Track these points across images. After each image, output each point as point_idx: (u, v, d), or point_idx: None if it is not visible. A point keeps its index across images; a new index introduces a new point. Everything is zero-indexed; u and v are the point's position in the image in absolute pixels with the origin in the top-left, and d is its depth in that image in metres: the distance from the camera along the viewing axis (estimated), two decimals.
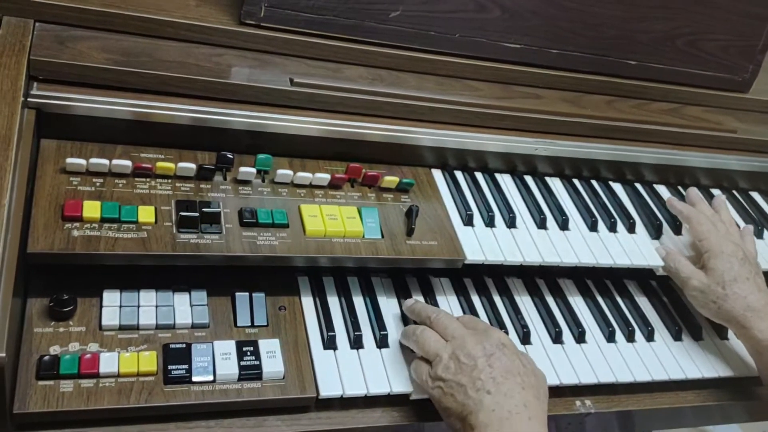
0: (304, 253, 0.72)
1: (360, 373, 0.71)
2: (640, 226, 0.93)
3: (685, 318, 0.91)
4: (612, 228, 0.91)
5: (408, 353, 0.74)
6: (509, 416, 0.63)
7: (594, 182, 0.98)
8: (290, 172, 0.77)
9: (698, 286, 0.84)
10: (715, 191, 1.06)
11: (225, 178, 0.76)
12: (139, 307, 0.68)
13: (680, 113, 1.03)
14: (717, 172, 1.05)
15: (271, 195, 0.77)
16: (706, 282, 0.84)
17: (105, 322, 0.65)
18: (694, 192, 0.96)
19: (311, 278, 0.79)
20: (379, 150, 0.84)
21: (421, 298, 0.81)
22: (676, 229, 0.95)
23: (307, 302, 0.76)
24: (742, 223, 1.00)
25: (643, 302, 0.92)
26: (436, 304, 0.81)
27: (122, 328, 0.66)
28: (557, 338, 0.82)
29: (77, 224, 0.65)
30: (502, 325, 0.81)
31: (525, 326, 0.82)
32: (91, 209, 0.66)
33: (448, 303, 0.83)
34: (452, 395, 0.66)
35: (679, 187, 1.04)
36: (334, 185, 0.80)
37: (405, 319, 0.79)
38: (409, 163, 0.87)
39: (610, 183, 0.99)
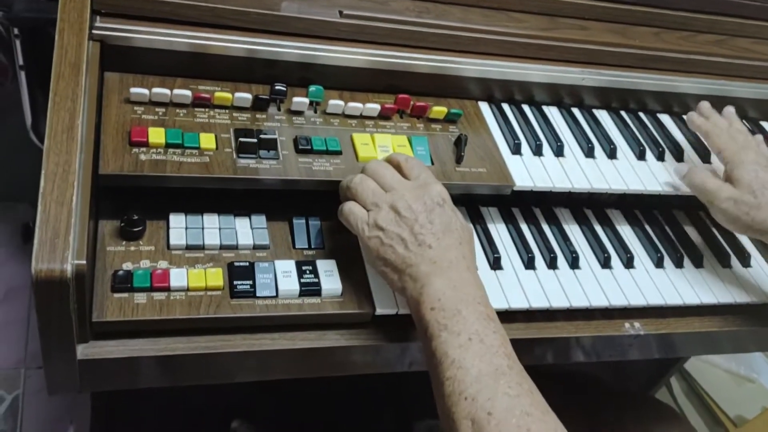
0: None
1: None
2: (688, 155, 0.93)
3: (733, 245, 0.92)
4: (660, 157, 0.91)
5: None
6: (450, 265, 0.64)
7: (641, 114, 0.98)
8: (341, 102, 0.79)
9: (731, 196, 0.80)
10: (765, 124, 1.06)
11: (279, 109, 0.78)
12: (203, 229, 0.71)
13: (728, 45, 1.02)
14: (765, 104, 1.04)
15: (323, 125, 0.79)
16: (737, 192, 0.80)
17: (173, 242, 0.69)
18: (705, 105, 0.93)
19: None
20: (426, 82, 0.85)
21: (470, 226, 0.83)
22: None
23: None
24: None
25: (691, 231, 0.93)
26: (486, 231, 0.83)
27: (189, 247, 0.69)
28: (606, 263, 0.83)
29: (144, 149, 0.68)
30: (550, 250, 0.82)
31: (574, 252, 0.83)
32: (156, 135, 0.69)
33: (497, 230, 0.84)
34: (392, 247, 0.65)
35: None
36: (383, 116, 0.82)
37: None
38: (456, 96, 0.88)
39: (658, 115, 0.99)
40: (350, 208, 0.69)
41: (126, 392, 1.15)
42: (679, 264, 0.87)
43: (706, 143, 0.91)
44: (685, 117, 0.94)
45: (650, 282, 0.83)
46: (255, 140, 0.72)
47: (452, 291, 0.62)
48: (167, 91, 0.73)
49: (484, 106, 0.89)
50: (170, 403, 1.24)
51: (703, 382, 1.77)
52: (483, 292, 0.65)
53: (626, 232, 0.89)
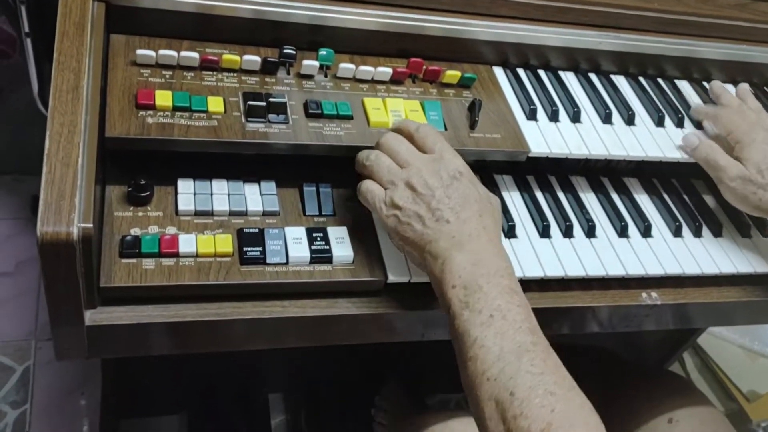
0: (369, 143, 0.73)
1: None
2: (707, 122, 0.90)
3: (753, 216, 0.89)
4: (679, 123, 0.89)
5: None
6: (469, 239, 0.63)
7: (660, 80, 0.95)
8: (352, 66, 0.77)
9: (739, 174, 0.78)
10: None
11: (288, 73, 0.76)
12: (212, 195, 0.69)
13: (750, 8, 0.99)
14: None
15: (333, 89, 0.77)
16: (746, 172, 0.79)
17: (181, 207, 0.67)
18: (717, 84, 0.93)
19: None
20: (439, 45, 0.83)
21: (494, 195, 0.81)
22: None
23: None
24: None
25: (710, 200, 0.91)
26: (500, 199, 0.81)
27: (197, 213, 0.68)
28: (623, 232, 0.82)
29: (151, 112, 0.67)
30: (566, 219, 0.80)
31: (590, 220, 0.81)
32: (163, 98, 0.67)
33: (512, 198, 0.82)
34: (410, 224, 0.64)
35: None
36: (395, 80, 0.80)
37: None
38: (470, 61, 0.86)
39: (677, 81, 0.96)
40: (367, 186, 0.68)
41: (137, 364, 1.15)
42: (697, 233, 0.85)
43: (715, 128, 0.87)
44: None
45: (668, 251, 0.81)
46: (264, 104, 0.70)
47: (473, 266, 0.61)
48: (174, 54, 0.71)
49: (498, 71, 0.87)
50: (181, 375, 1.24)
51: (716, 357, 1.75)
52: (506, 264, 0.63)
53: (644, 200, 0.87)
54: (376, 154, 0.69)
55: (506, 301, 0.59)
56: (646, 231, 0.83)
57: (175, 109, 0.67)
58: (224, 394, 1.30)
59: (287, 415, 1.37)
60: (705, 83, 0.97)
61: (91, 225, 0.55)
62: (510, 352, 0.56)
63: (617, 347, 1.35)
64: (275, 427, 1.35)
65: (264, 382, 1.36)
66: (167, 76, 0.71)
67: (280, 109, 0.71)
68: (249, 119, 0.69)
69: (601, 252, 0.79)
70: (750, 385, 1.70)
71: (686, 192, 0.90)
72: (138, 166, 0.69)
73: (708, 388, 1.74)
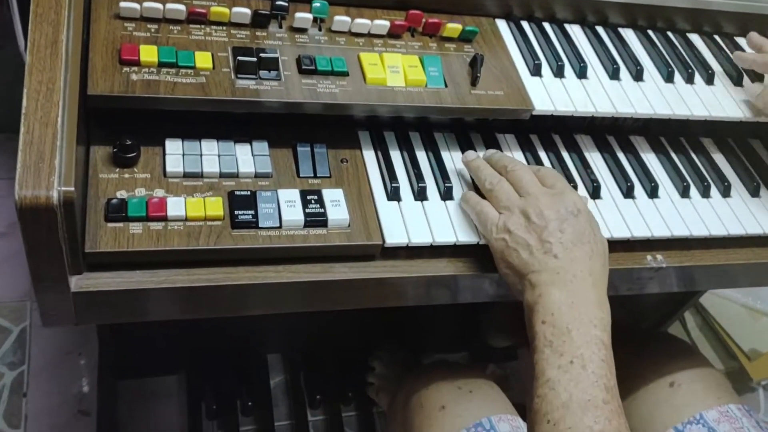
0: (365, 101, 0.70)
1: (425, 224, 0.70)
2: (719, 78, 0.87)
3: (763, 175, 0.86)
4: (689, 79, 0.85)
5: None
6: (573, 279, 0.62)
7: (669, 33, 0.91)
8: (348, 18, 0.74)
9: None
10: None
11: (280, 26, 0.73)
12: (201, 155, 0.67)
13: None
14: None
15: (328, 44, 0.73)
16: None
17: (169, 169, 0.65)
18: (755, 36, 0.89)
19: (372, 132, 0.76)
20: None
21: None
22: (758, 79, 0.88)
23: (369, 155, 0.74)
24: None
25: (719, 159, 0.88)
26: None
27: (186, 175, 0.65)
28: (629, 193, 0.79)
29: (135, 68, 0.63)
30: (570, 179, 0.77)
31: (595, 181, 0.78)
32: (148, 53, 0.64)
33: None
34: (516, 251, 0.64)
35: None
36: (393, 34, 0.76)
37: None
38: (471, 13, 0.82)
39: (687, 34, 0.92)
40: (483, 208, 0.68)
41: (134, 325, 1.13)
42: (705, 193, 0.82)
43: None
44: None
45: (675, 212, 0.79)
46: (255, 59, 0.67)
47: (568, 307, 0.60)
48: (159, 6, 0.67)
49: (501, 24, 0.83)
50: (179, 335, 1.24)
51: (718, 317, 1.74)
52: (604, 315, 0.62)
53: (651, 160, 0.84)
54: (499, 180, 0.69)
55: (591, 352, 0.59)
56: (652, 192, 0.80)
57: (161, 65, 0.64)
58: (222, 355, 1.30)
59: (286, 375, 1.37)
60: (716, 36, 0.93)
61: (72, 188, 0.52)
62: (578, 403, 0.56)
63: (617, 305, 1.33)
64: (274, 387, 1.35)
65: (262, 343, 1.36)
66: (152, 30, 0.67)
67: (272, 65, 0.68)
68: (239, 76, 0.66)
69: (605, 214, 0.76)
70: (751, 344, 1.70)
71: (694, 150, 0.87)
72: (123, 126, 0.66)
73: (709, 346, 1.73)
